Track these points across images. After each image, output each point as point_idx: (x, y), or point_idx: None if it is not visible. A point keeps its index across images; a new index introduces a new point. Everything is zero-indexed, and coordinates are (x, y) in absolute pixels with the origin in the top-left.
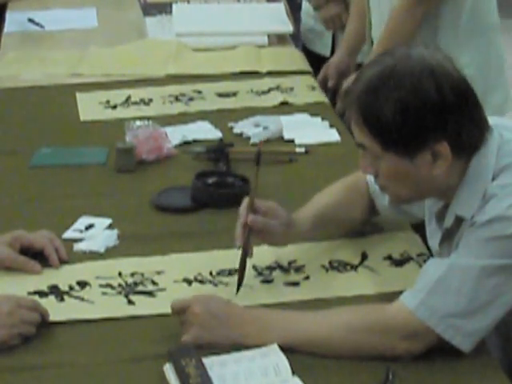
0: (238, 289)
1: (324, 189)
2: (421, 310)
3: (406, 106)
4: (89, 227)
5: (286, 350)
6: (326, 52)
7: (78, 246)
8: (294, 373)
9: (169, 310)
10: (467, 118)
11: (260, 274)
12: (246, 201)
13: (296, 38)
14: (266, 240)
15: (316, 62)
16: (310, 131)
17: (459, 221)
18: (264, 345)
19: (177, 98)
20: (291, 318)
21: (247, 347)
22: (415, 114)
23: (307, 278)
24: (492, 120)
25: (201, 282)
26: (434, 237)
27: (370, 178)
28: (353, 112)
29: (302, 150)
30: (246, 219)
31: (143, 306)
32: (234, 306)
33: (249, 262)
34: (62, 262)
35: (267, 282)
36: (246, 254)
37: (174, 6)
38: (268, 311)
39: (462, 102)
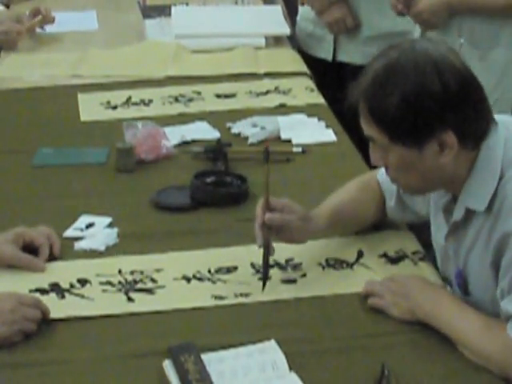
0: (263, 286)
1: (337, 187)
2: None
3: (410, 98)
4: (89, 226)
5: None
6: (328, 56)
7: (78, 245)
8: (290, 369)
9: (168, 307)
10: (472, 109)
11: (258, 271)
12: (261, 201)
13: (293, 41)
14: (285, 237)
15: (316, 66)
16: (307, 131)
17: (470, 214)
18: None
19: (176, 99)
20: (461, 315)
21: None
22: (419, 106)
23: (304, 275)
24: (499, 117)
25: (199, 279)
26: (440, 230)
27: (381, 178)
28: (361, 105)
29: (299, 149)
30: (263, 219)
31: (143, 303)
32: (429, 283)
33: (247, 260)
34: (53, 257)
35: None
36: (268, 251)
37: (172, 9)
38: (450, 299)
39: (466, 92)
